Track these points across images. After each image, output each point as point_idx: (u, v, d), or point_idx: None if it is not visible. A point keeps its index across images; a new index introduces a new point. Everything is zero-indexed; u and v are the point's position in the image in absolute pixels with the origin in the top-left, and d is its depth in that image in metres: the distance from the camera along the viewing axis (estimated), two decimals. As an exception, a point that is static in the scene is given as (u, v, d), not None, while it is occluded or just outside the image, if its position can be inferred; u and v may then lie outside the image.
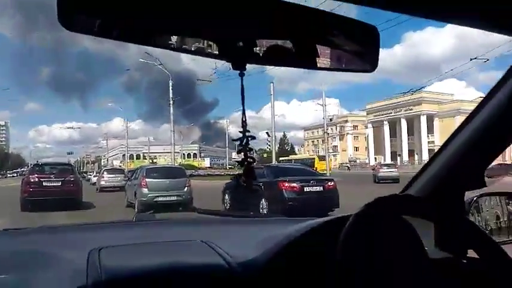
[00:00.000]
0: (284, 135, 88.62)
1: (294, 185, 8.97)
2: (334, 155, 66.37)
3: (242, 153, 0.67)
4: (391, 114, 61.57)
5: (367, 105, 62.02)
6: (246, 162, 0.67)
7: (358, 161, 63.26)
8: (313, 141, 79.36)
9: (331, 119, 74.69)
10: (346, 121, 72.59)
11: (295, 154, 66.23)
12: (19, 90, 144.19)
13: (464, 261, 0.91)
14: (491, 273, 0.79)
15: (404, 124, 60.48)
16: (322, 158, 47.37)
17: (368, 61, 0.70)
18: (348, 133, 72.85)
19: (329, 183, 9.53)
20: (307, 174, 10.20)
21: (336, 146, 72.41)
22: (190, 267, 0.87)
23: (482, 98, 0.89)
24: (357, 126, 72.33)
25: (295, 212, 8.04)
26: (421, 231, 0.82)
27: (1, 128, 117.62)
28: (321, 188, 9.21)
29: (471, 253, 0.87)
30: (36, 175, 11.52)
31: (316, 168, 37.25)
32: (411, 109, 59.12)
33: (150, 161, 40.09)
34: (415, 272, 0.77)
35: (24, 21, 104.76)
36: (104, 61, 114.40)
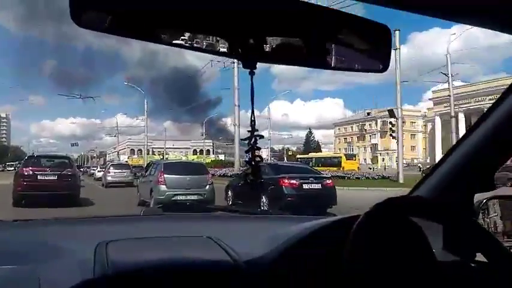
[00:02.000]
0: (310, 132, 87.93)
1: (293, 181, 10.40)
2: (387, 154, 62.67)
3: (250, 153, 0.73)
4: (470, 104, 52.98)
5: (434, 95, 55.39)
6: (253, 162, 0.74)
7: (404, 161, 60.13)
8: (345, 139, 78.12)
9: (368, 113, 72.74)
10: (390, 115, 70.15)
11: (321, 152, 64.35)
12: (21, 84, 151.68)
13: (473, 264, 0.99)
14: (499, 277, 0.87)
15: (489, 116, 53.93)
16: (350, 157, 46.11)
17: (380, 61, 0.77)
18: (392, 129, 69.99)
19: (327, 181, 11.11)
20: (307, 172, 11.81)
21: (375, 144, 70.57)
22: (196, 263, 0.98)
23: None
24: (404, 121, 69.92)
25: (293, 208, 9.27)
26: (429, 233, 0.91)
27: (2, 121, 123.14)
28: (319, 186, 10.66)
29: (479, 257, 0.95)
30: (30, 168, 11.81)
31: (343, 167, 35.39)
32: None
33: (161, 157, 40.77)
34: (422, 274, 0.87)
35: (27, 13, 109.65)
36: (107, 56, 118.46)
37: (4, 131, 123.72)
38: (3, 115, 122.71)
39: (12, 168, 48.78)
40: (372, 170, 33.49)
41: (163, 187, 10.83)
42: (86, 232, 1.29)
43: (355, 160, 45.97)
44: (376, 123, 71.15)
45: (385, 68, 0.77)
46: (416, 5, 0.65)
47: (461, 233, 0.95)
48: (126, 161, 41.87)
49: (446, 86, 30.30)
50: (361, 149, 71.92)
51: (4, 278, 0.90)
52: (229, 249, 1.02)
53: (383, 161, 60.69)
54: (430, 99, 57.46)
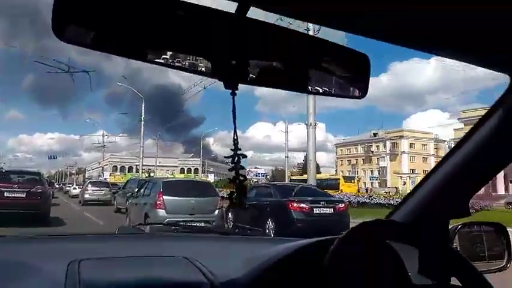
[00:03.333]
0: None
1: (303, 205, 10.16)
2: (409, 177, 59.87)
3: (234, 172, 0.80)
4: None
5: (462, 114, 54.11)
6: (237, 180, 0.82)
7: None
8: (349, 160, 77.88)
9: (375, 134, 72.82)
10: (401, 137, 69.98)
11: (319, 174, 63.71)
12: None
13: None
14: None
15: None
16: (348, 179, 46.23)
17: (358, 87, 0.87)
18: (403, 152, 69.19)
19: (340, 205, 10.96)
20: (317, 194, 11.51)
21: (383, 168, 70.57)
22: (171, 283, 1.05)
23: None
24: (413, 144, 70.00)
25: (303, 234, 8.64)
26: (405, 257, 1.01)
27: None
28: (332, 210, 10.54)
29: (454, 281, 1.05)
30: None
31: (342, 190, 34.48)
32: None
33: (147, 175, 40.62)
34: None
35: (8, 26, 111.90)
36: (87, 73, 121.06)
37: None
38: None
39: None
40: (388, 194, 32.04)
41: (162, 212, 9.68)
42: (58, 250, 1.34)
43: (353, 183, 45.90)
44: (385, 145, 71.21)
45: (363, 94, 0.87)
46: (397, 36, 0.75)
47: (436, 257, 1.04)
48: (105, 179, 41.85)
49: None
50: (368, 172, 71.84)
51: None
52: (205, 270, 1.09)
53: (404, 185, 59.15)
54: (459, 119, 56.41)
